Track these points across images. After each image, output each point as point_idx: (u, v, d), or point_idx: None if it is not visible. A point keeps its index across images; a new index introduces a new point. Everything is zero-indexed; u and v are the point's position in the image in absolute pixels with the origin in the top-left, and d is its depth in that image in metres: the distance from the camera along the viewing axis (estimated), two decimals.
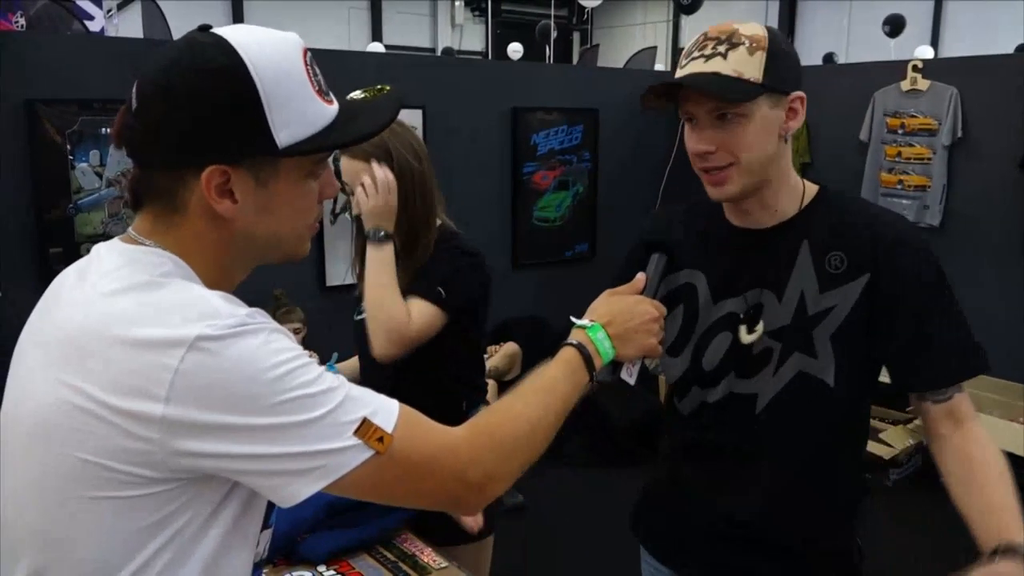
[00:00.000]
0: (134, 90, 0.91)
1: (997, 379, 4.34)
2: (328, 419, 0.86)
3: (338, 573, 1.63)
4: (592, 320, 1.18)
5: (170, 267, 0.91)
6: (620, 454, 4.33)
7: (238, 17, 13.91)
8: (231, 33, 0.91)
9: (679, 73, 1.27)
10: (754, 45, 1.24)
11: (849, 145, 4.89)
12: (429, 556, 1.69)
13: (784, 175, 1.35)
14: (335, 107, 0.96)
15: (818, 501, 1.38)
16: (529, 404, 1.03)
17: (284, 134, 0.89)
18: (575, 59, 16.19)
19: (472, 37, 17.33)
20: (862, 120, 4.80)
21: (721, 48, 1.24)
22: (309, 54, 0.94)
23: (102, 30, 5.20)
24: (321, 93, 0.94)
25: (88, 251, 0.98)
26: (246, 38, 0.90)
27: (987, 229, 4.42)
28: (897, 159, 4.72)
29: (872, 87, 4.77)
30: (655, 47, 10.25)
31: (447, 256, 1.87)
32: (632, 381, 1.22)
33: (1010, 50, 8.74)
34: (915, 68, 4.62)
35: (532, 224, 4.94)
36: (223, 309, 0.86)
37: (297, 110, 0.90)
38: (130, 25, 6.97)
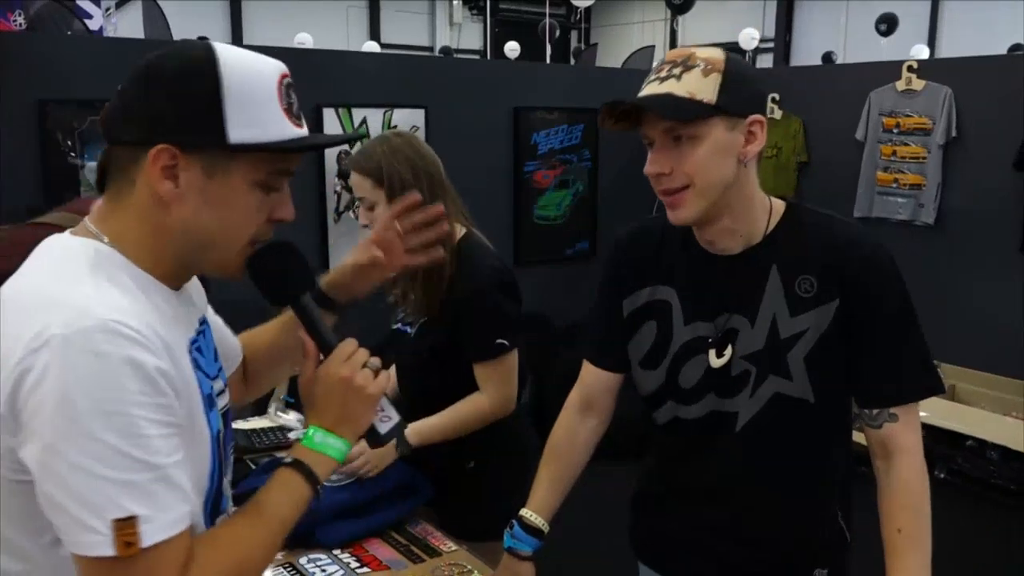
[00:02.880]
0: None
1: (991, 374, 4.42)
2: (110, 488, 0.83)
3: (353, 556, 1.69)
4: (307, 425, 1.09)
5: (88, 259, 0.92)
6: (619, 450, 4.39)
7: (236, 16, 13.94)
8: (221, 45, 0.97)
9: (638, 96, 1.28)
10: (709, 67, 1.24)
11: (845, 144, 4.95)
12: (439, 540, 1.76)
13: (747, 201, 1.33)
14: (302, 131, 0.99)
15: (804, 503, 1.42)
16: (258, 544, 0.99)
17: (237, 132, 0.93)
18: (571, 58, 16.24)
19: (470, 36, 17.39)
20: (858, 119, 4.87)
21: (676, 71, 1.25)
22: (288, 79, 0.99)
23: (100, 29, 5.23)
24: (289, 114, 0.97)
25: None
26: (230, 48, 0.96)
27: (981, 227, 4.48)
28: (893, 158, 4.79)
29: (868, 87, 4.83)
30: (652, 46, 10.29)
31: (487, 297, 1.88)
32: (395, 421, 1.12)
33: (1005, 50, 8.81)
34: (910, 68, 4.69)
35: (533, 223, 5.00)
36: (93, 311, 0.85)
37: (257, 117, 0.94)
38: (128, 24, 7.01)
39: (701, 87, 1.23)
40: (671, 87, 1.25)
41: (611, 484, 2.66)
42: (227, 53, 0.95)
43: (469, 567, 1.66)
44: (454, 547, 1.74)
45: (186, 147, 0.93)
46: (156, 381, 0.87)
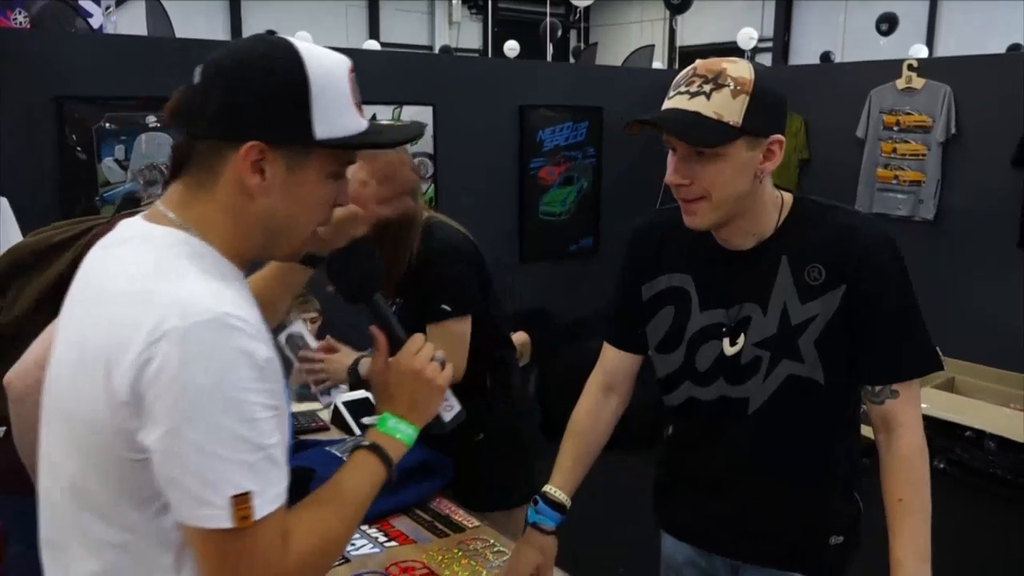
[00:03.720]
0: (199, 69, 1.02)
1: (990, 367, 4.49)
2: (228, 467, 0.90)
3: (380, 531, 1.76)
4: (380, 412, 1.18)
5: (183, 249, 0.98)
6: (632, 437, 4.44)
7: (236, 15, 13.95)
8: (296, 41, 1.04)
9: (665, 104, 1.32)
10: (739, 88, 1.27)
11: (846, 142, 5.02)
12: (462, 516, 1.83)
13: (760, 206, 1.39)
14: (364, 122, 1.06)
15: (809, 494, 1.47)
16: (342, 522, 1.07)
17: (321, 128, 0.99)
18: (570, 57, 16.28)
19: (469, 35, 17.41)
20: (859, 118, 4.94)
21: (707, 88, 1.28)
22: (354, 73, 1.05)
23: (100, 27, 5.25)
24: (358, 107, 1.04)
25: None
26: (307, 46, 1.03)
27: (980, 223, 4.56)
28: (893, 155, 4.86)
29: (868, 85, 4.91)
30: (652, 45, 10.36)
31: (437, 267, 1.96)
32: (456, 410, 1.24)
33: (1003, 49, 8.89)
34: (910, 67, 4.76)
35: (538, 219, 5.07)
36: (207, 305, 0.91)
37: (336, 113, 1.01)
38: (128, 23, 7.04)
39: (729, 108, 1.28)
40: (699, 105, 1.28)
41: (626, 472, 2.72)
42: (308, 51, 1.00)
43: (492, 540, 1.73)
44: (476, 523, 1.81)
45: (273, 143, 0.98)
46: (264, 369, 0.94)
